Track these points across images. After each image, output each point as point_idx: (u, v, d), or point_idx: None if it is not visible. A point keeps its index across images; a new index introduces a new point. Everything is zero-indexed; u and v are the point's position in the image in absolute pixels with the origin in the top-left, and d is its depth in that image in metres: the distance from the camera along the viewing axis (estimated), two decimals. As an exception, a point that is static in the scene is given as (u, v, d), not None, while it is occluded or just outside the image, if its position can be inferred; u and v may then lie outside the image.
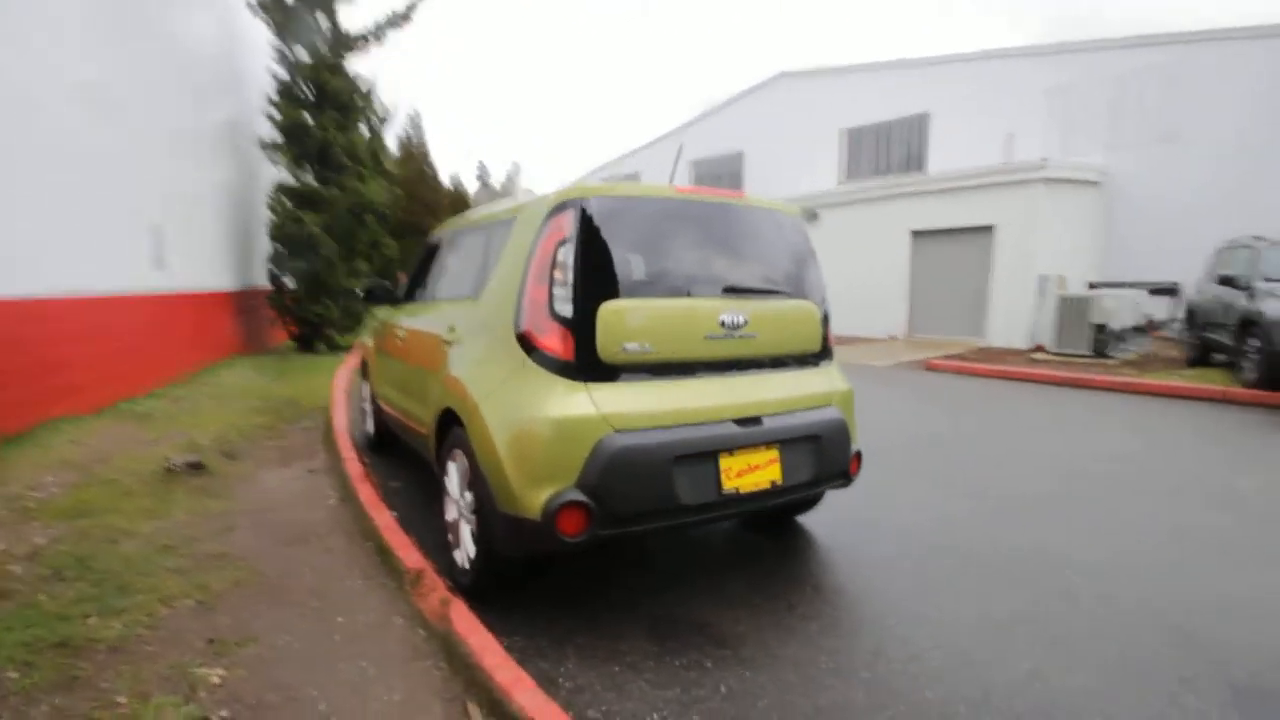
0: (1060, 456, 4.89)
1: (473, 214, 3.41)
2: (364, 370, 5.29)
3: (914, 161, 17.84)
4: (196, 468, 4.23)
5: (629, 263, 2.52)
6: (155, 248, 6.77)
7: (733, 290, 2.71)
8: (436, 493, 3.81)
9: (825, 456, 2.80)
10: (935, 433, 5.80)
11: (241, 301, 9.57)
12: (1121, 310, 10.55)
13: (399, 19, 10.04)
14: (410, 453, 4.87)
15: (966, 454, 5.02)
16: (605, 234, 2.49)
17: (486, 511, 2.43)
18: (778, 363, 2.84)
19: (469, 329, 2.83)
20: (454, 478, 2.79)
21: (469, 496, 2.65)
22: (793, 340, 2.89)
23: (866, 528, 3.43)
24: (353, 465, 4.17)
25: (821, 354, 3.03)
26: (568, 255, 2.42)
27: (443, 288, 3.53)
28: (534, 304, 2.43)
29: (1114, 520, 3.53)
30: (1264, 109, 12.32)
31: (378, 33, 10.02)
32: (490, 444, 2.38)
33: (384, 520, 3.19)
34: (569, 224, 2.46)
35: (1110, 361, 9.71)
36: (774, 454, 2.63)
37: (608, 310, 2.42)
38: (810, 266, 3.05)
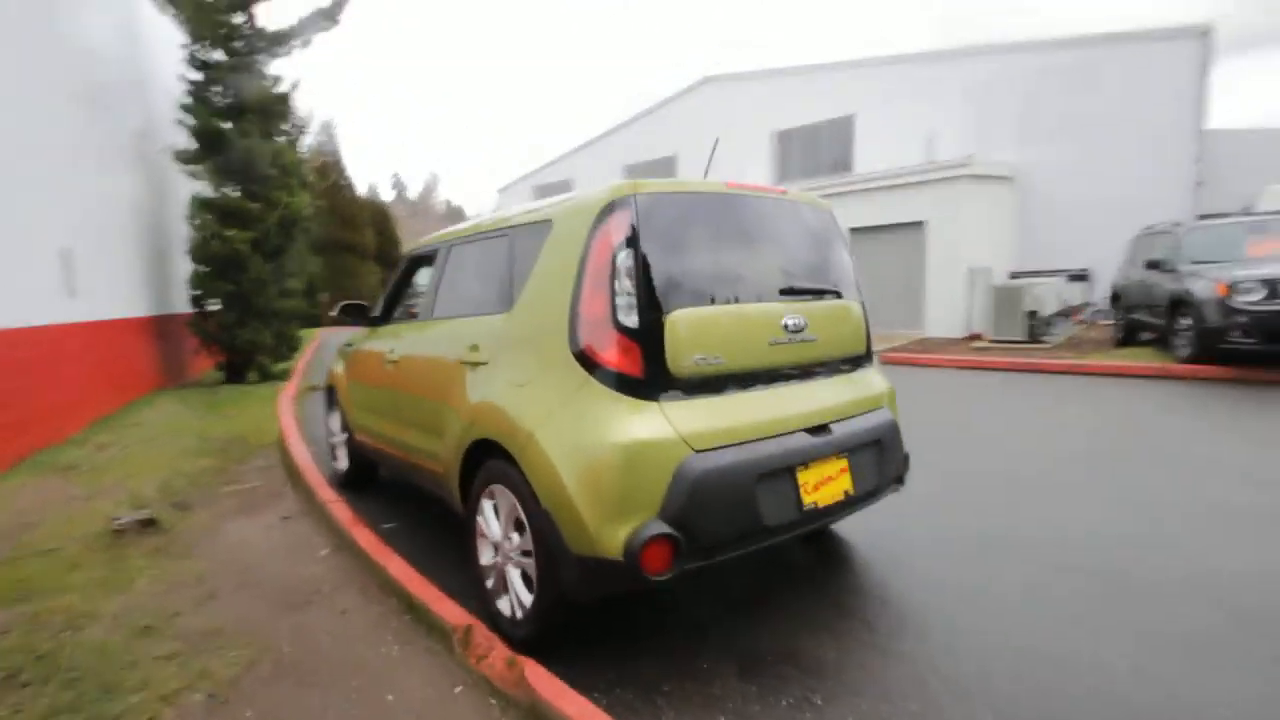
0: (1051, 437, 5.01)
1: (481, 220, 3.09)
2: (330, 399, 4.79)
3: (842, 163, 18.42)
4: (148, 525, 3.68)
5: (690, 266, 2.30)
6: (65, 273, 5.95)
7: (790, 292, 2.54)
8: (448, 534, 3.49)
9: (886, 461, 2.68)
10: (915, 421, 5.85)
11: (160, 329, 8.64)
12: (1048, 298, 11.22)
13: (323, 18, 9.37)
14: (401, 489, 4.45)
15: (965, 439, 5.07)
16: (664, 234, 2.27)
17: (553, 554, 2.15)
18: (833, 367, 2.69)
19: (500, 348, 2.52)
20: (492, 518, 2.49)
21: (516, 538, 2.36)
22: (845, 341, 2.76)
23: (893, 525, 3.33)
24: (339, 508, 3.73)
25: (866, 355, 2.91)
26: (628, 259, 2.18)
27: (449, 304, 3.19)
28: (593, 316, 2.17)
29: (1135, 495, 3.60)
30: (1163, 108, 13.42)
31: (301, 32, 9.31)
32: (554, 478, 2.10)
33: (401, 570, 2.82)
34: (626, 224, 2.21)
35: (1046, 345, 10.25)
36: (844, 463, 2.47)
37: (676, 319, 2.19)
38: (847, 263, 2.93)
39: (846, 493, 2.47)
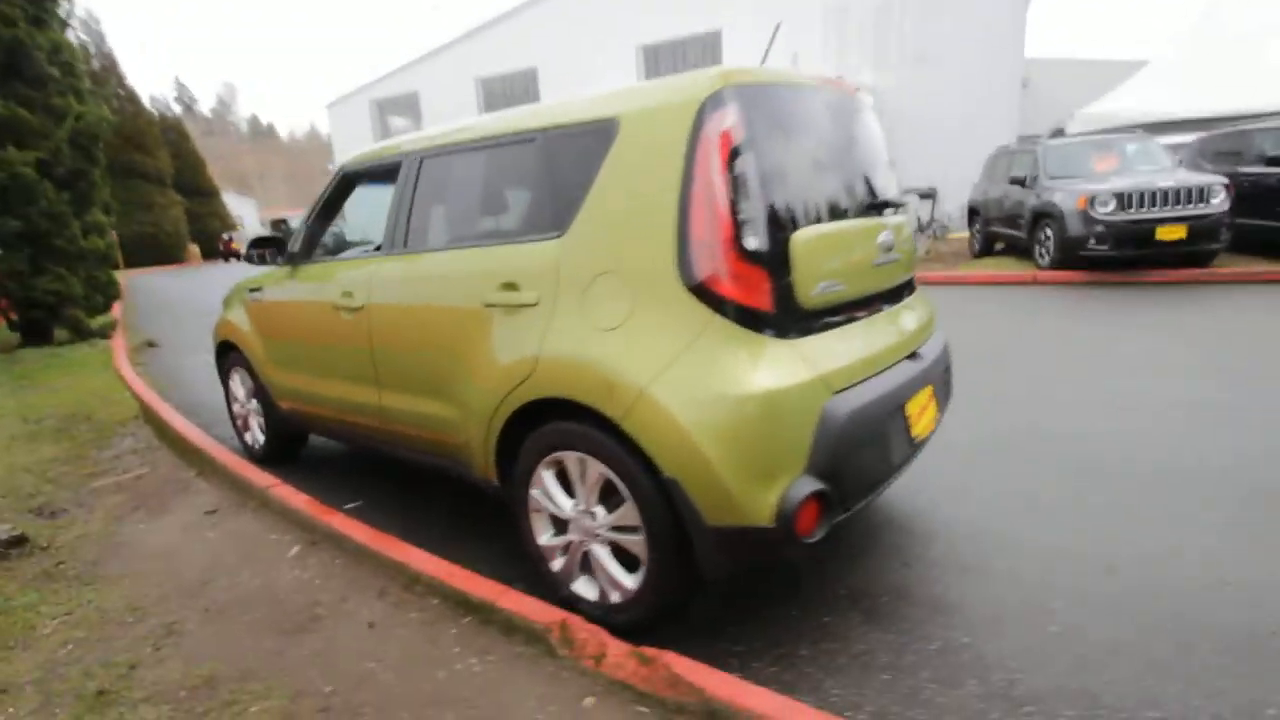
0: (973, 344, 5.36)
1: (475, 123, 2.42)
2: (225, 361, 3.86)
3: (711, 80, 18.16)
4: (15, 544, 2.75)
5: (798, 175, 1.95)
6: None
7: (877, 205, 2.28)
8: (433, 509, 2.99)
9: (949, 388, 2.60)
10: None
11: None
12: (911, 212, 12.09)
13: None
14: (335, 458, 3.76)
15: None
16: (772, 136, 1.88)
17: (674, 528, 1.81)
18: (906, 286, 2.52)
19: (558, 283, 2.01)
20: (557, 491, 2.08)
21: (602, 513, 1.98)
22: (911, 260, 2.57)
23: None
24: (287, 493, 3.02)
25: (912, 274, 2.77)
26: (749, 167, 1.77)
27: (439, 232, 2.54)
28: (711, 239, 1.75)
29: (1088, 393, 3.93)
30: (993, 35, 14.51)
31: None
32: (684, 441, 1.73)
33: (430, 562, 2.31)
34: (739, 122, 1.79)
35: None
36: (930, 390, 2.34)
37: (800, 241, 1.85)
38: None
39: (936, 420, 2.36)
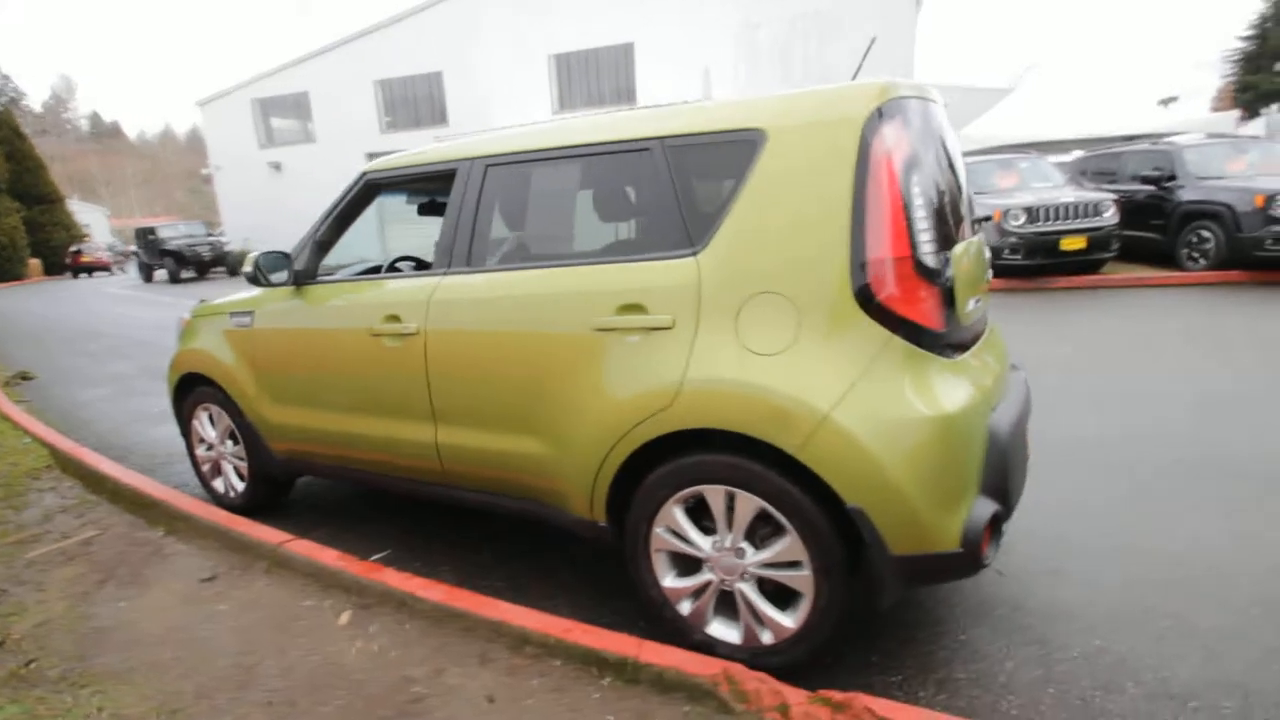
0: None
1: (580, 128, 2.15)
2: (183, 397, 3.32)
3: (625, 93, 18.29)
4: (-39, 644, 2.18)
5: (940, 190, 1.92)
6: None
7: (978, 219, 2.31)
8: (478, 549, 2.70)
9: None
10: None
11: None
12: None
13: None
14: (327, 499, 3.34)
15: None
16: (928, 150, 1.86)
17: (866, 558, 1.71)
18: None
19: (700, 303, 1.85)
20: (689, 528, 1.93)
21: (750, 550, 1.85)
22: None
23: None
24: (309, 548, 2.62)
25: None
26: (916, 182, 1.73)
27: (528, 247, 2.30)
28: (889, 257, 1.68)
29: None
30: (886, 59, 15.57)
31: None
32: (871, 468, 1.64)
33: (531, 617, 2.06)
34: (906, 135, 1.74)
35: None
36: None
37: (957, 257, 1.83)
38: None
39: (1025, 431, 2.42)
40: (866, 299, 1.69)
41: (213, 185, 24.36)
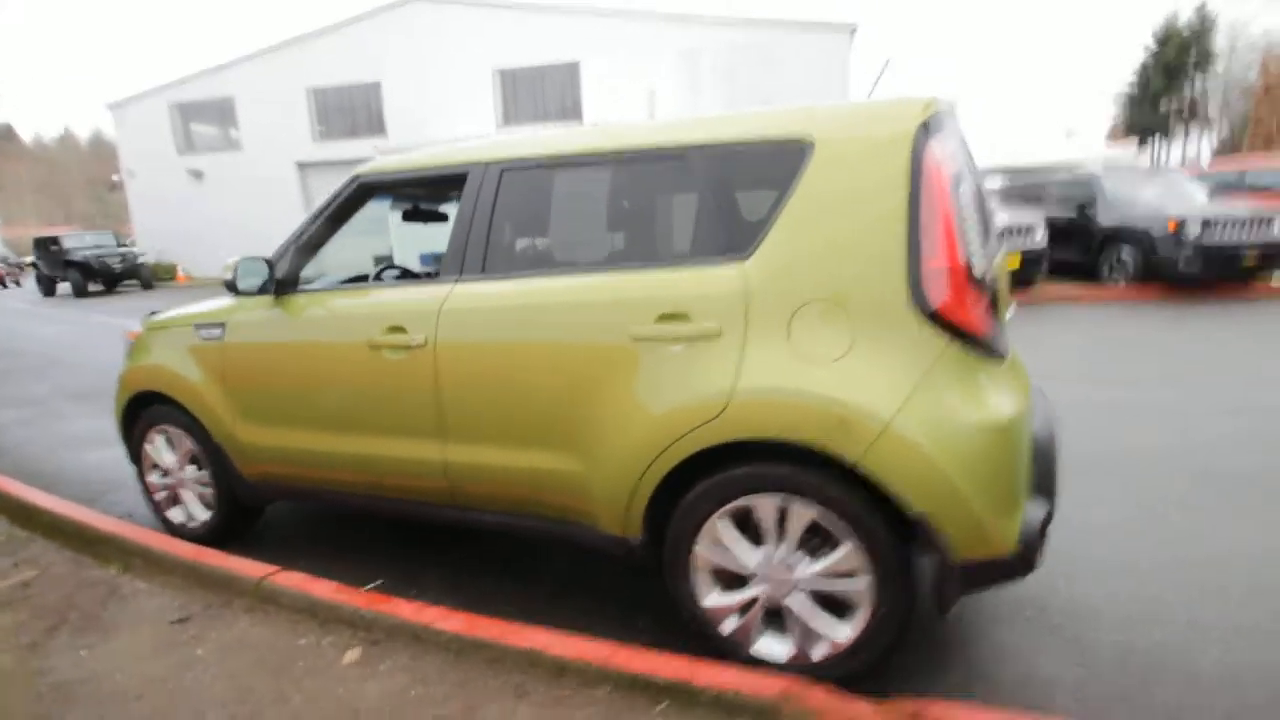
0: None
1: (611, 134, 2.07)
2: (132, 418, 3.02)
3: (571, 110, 18.29)
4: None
5: (981, 201, 1.97)
6: None
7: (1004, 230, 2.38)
8: (522, 572, 2.62)
9: None
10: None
11: None
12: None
13: None
14: (296, 525, 3.10)
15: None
16: (966, 161, 1.90)
17: (910, 567, 1.70)
18: None
19: (754, 311, 1.80)
20: (735, 541, 1.87)
21: (805, 561, 1.81)
22: None
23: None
24: (300, 580, 2.39)
25: None
26: (965, 194, 1.77)
27: (551, 255, 2.19)
28: (945, 266, 1.69)
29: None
30: (828, 85, 16.24)
31: None
32: (935, 475, 1.64)
33: (581, 645, 1.93)
34: (951, 148, 1.78)
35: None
36: None
37: (999, 266, 1.88)
38: None
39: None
40: (926, 307, 1.69)
41: (122, 192, 22.70)
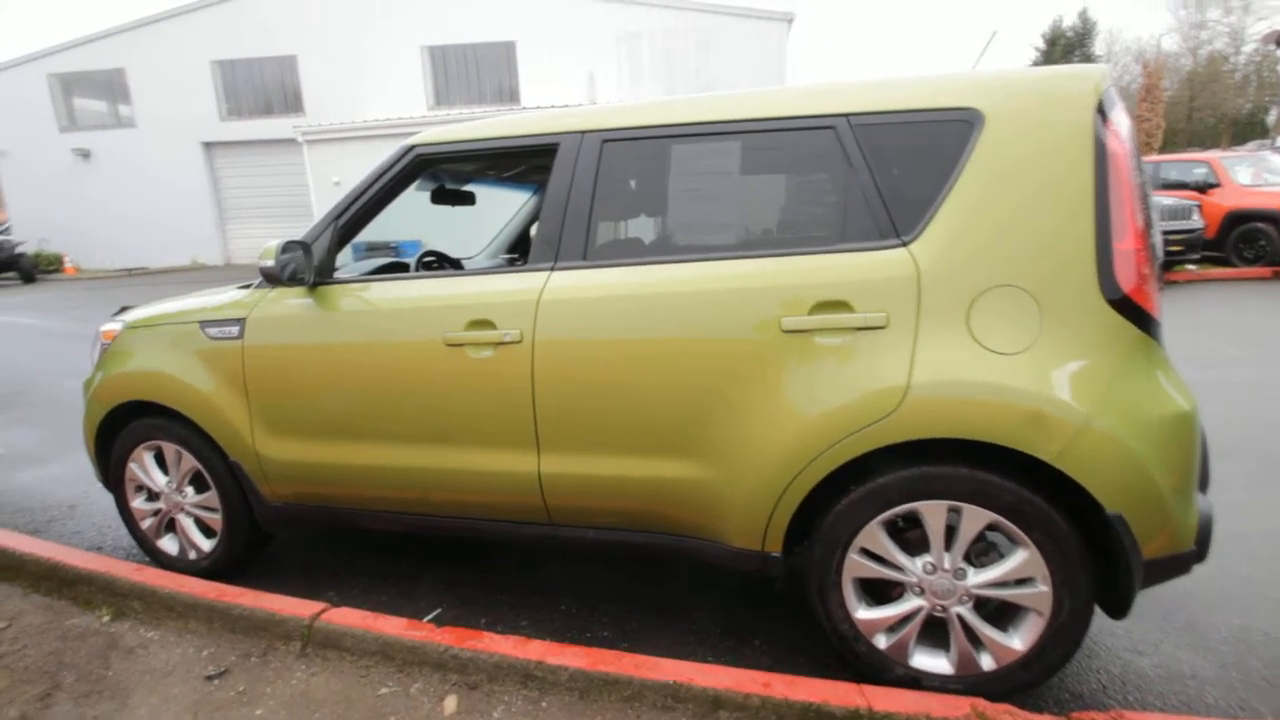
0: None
1: (743, 100, 1.85)
2: (110, 434, 2.55)
3: (507, 93, 17.63)
4: None
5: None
6: None
7: None
8: (545, 594, 2.39)
9: None
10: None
11: None
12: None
13: None
14: (348, 549, 2.74)
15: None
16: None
17: (1123, 569, 1.61)
18: None
19: (926, 298, 1.64)
20: (895, 553, 1.73)
21: (970, 572, 1.69)
22: None
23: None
24: (364, 619, 2.05)
25: None
26: (1140, 172, 1.67)
27: (673, 237, 1.95)
28: (1134, 249, 1.60)
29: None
30: (766, 73, 16.36)
31: None
32: (1139, 473, 1.55)
33: (730, 676, 1.73)
34: (1125, 124, 1.67)
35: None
36: None
37: (1157, 246, 1.80)
38: None
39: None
40: (1114, 292, 1.59)
41: (-11, 174, 20.02)
